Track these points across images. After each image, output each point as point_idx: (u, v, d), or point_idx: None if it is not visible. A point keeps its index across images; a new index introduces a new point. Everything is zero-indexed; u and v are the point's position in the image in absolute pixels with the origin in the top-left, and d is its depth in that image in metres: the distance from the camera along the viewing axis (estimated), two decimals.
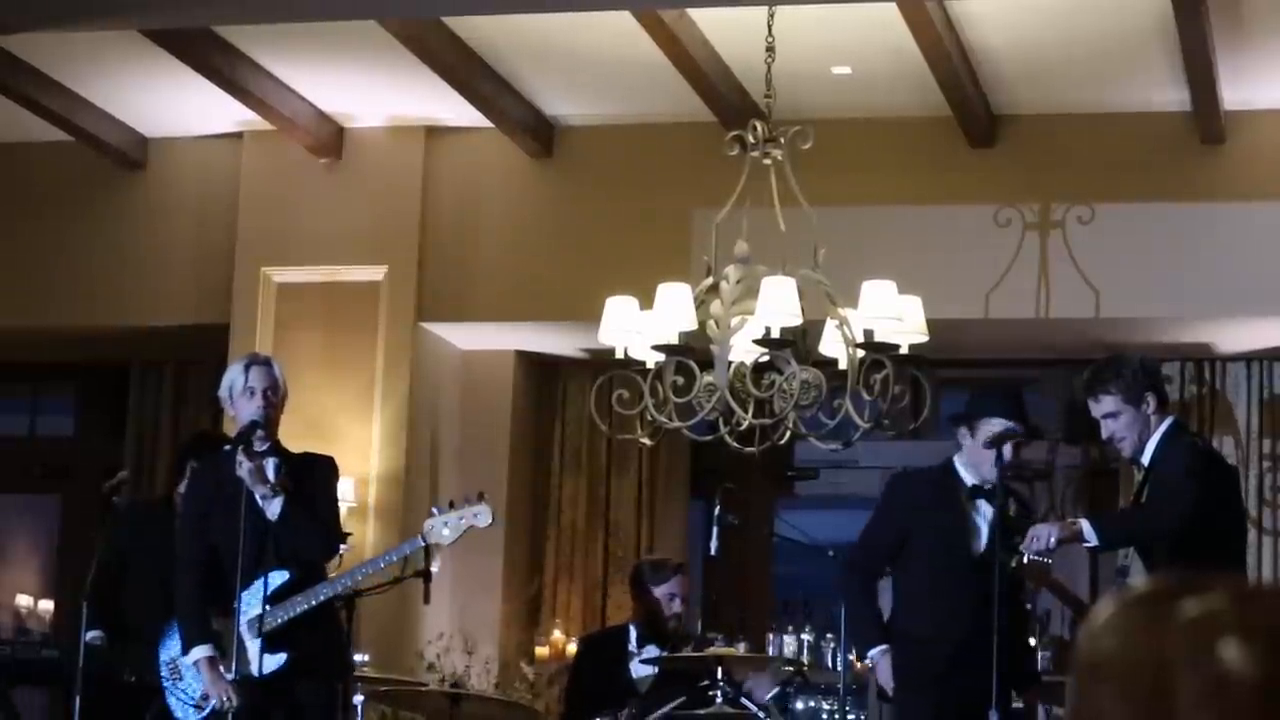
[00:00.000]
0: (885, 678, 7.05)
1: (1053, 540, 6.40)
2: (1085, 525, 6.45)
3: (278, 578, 6.75)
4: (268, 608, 6.71)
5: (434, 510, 7.04)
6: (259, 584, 6.73)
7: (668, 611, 8.47)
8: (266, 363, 7.08)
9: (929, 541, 7.03)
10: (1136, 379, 6.55)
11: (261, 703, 6.77)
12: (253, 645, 6.74)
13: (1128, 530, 6.70)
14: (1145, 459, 6.58)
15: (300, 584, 6.79)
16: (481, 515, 6.91)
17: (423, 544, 6.93)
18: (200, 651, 6.84)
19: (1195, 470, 6.44)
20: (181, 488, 7.65)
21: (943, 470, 7.10)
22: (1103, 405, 6.57)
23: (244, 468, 6.71)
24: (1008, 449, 6.84)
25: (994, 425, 6.87)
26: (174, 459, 8.27)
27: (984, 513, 6.94)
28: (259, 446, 6.87)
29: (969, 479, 6.99)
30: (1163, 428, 6.57)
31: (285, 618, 6.74)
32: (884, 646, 7.06)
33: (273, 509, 6.76)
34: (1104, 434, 6.63)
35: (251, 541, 6.69)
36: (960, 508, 6.96)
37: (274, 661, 6.75)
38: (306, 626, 6.77)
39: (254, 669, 6.73)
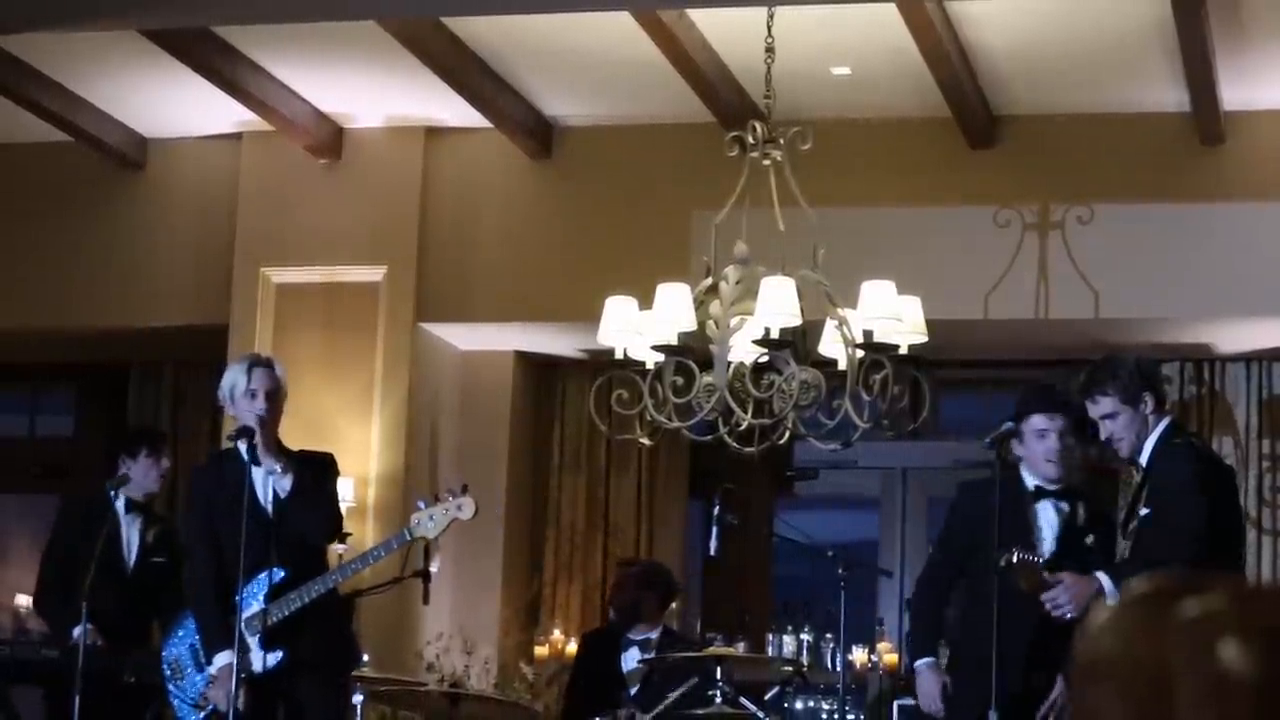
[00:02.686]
0: (925, 691, 6.92)
1: (1069, 612, 6.38)
2: (1105, 582, 6.39)
3: (275, 575, 6.76)
4: (267, 605, 6.72)
5: (419, 504, 7.06)
6: (258, 581, 6.74)
7: None
8: (269, 364, 7.08)
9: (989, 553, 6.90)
10: (1133, 379, 6.52)
11: (262, 700, 6.78)
12: (251, 642, 6.75)
13: None
14: (1142, 459, 6.54)
15: (296, 581, 6.80)
16: (465, 507, 6.93)
17: (409, 539, 6.95)
18: (224, 658, 6.83)
19: (1198, 480, 6.39)
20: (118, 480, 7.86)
21: (1009, 476, 6.92)
22: (1100, 406, 6.55)
23: (258, 444, 6.71)
24: (1047, 441, 6.80)
25: (1035, 424, 6.82)
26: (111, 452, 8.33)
27: (1048, 516, 6.85)
28: (277, 412, 6.95)
29: (1030, 481, 6.89)
30: (1159, 428, 6.51)
31: (281, 615, 6.75)
32: (930, 660, 6.97)
33: (283, 485, 6.77)
34: (1102, 435, 6.61)
35: (254, 539, 6.71)
36: (1023, 513, 6.85)
37: (272, 659, 6.75)
38: (304, 623, 6.77)
39: (253, 667, 6.74)
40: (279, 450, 6.90)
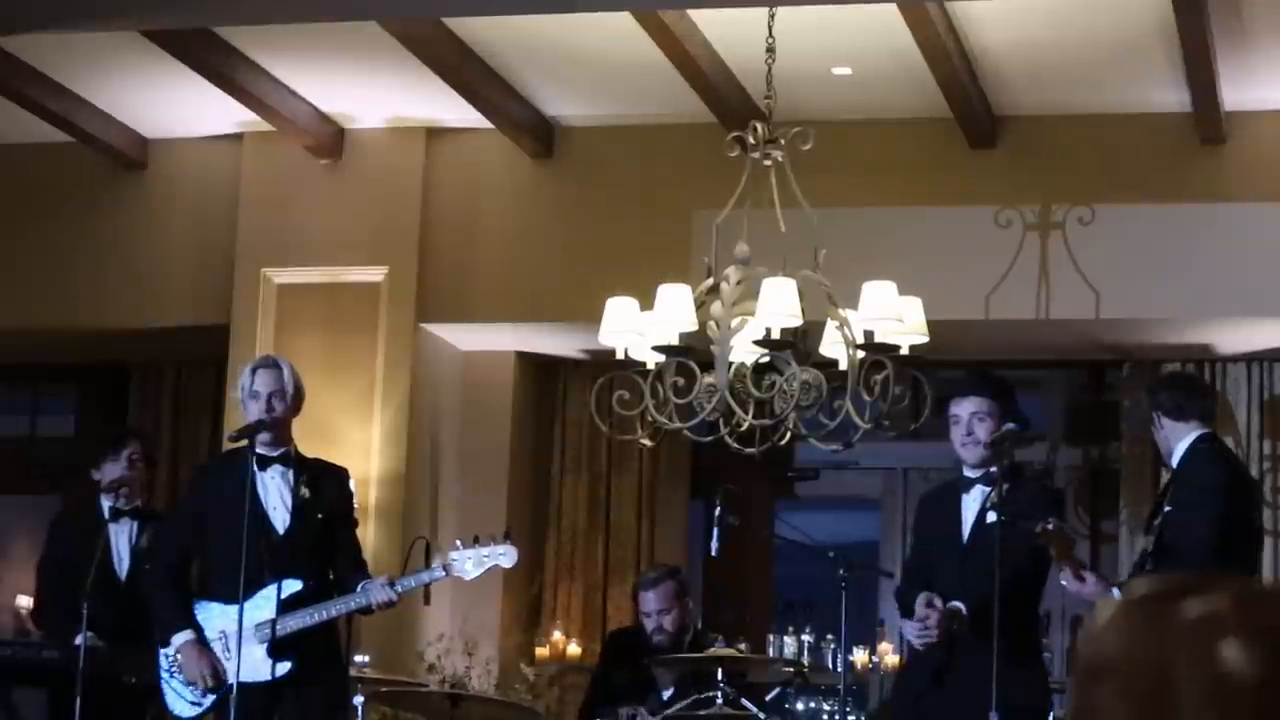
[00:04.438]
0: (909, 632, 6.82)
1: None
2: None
3: (291, 586, 6.76)
4: (279, 615, 6.73)
5: (457, 543, 7.03)
6: (268, 591, 6.75)
7: (648, 628, 8.47)
8: (274, 365, 7.06)
9: (934, 547, 7.00)
10: (1149, 399, 7.13)
11: (264, 707, 6.78)
12: (259, 650, 6.74)
13: None
14: (1173, 462, 6.97)
15: (312, 594, 6.80)
16: (506, 556, 6.93)
17: (445, 576, 6.94)
18: (182, 637, 6.88)
19: (1217, 482, 6.76)
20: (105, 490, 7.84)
21: (959, 474, 7.04)
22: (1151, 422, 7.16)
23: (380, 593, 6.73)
24: (958, 427, 6.83)
25: (962, 406, 6.87)
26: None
27: (971, 505, 6.86)
28: (266, 450, 6.90)
29: (964, 473, 6.96)
30: (1189, 439, 6.91)
31: (297, 627, 6.74)
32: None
33: (298, 495, 6.81)
34: None
35: (260, 547, 6.72)
36: (954, 505, 6.92)
37: (279, 668, 6.75)
38: (310, 635, 6.78)
39: (257, 674, 6.74)
40: (295, 457, 6.91)
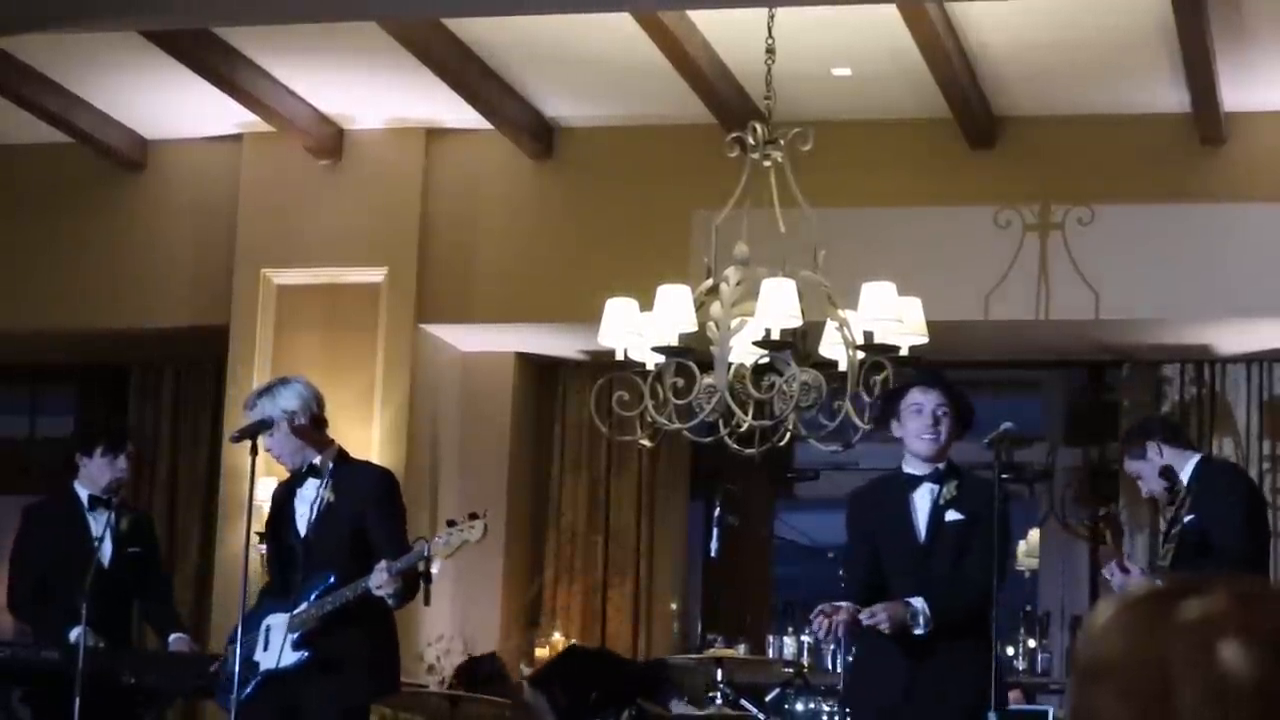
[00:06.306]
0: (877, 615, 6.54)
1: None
2: None
3: (318, 584, 6.91)
4: (302, 607, 6.92)
5: (446, 524, 7.14)
6: (315, 588, 6.90)
7: None
8: (248, 404, 7.17)
9: (884, 545, 6.69)
10: (1131, 436, 7.61)
11: (286, 693, 6.94)
12: (276, 641, 6.94)
13: None
14: (1182, 479, 7.10)
15: (338, 586, 6.95)
16: (474, 530, 6.98)
17: (425, 555, 7.03)
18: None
19: (1238, 490, 7.27)
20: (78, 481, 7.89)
21: (895, 471, 6.81)
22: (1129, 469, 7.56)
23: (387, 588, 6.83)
24: (922, 417, 6.71)
25: (928, 395, 6.66)
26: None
27: (922, 502, 6.63)
28: (270, 448, 7.04)
29: (908, 470, 6.71)
30: (1194, 459, 7.28)
31: (306, 617, 6.90)
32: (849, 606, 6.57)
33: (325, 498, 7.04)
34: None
35: (296, 551, 7.00)
36: (902, 502, 6.65)
37: (295, 658, 6.89)
38: (330, 628, 6.89)
39: (279, 663, 6.90)
40: (334, 463, 7.13)
